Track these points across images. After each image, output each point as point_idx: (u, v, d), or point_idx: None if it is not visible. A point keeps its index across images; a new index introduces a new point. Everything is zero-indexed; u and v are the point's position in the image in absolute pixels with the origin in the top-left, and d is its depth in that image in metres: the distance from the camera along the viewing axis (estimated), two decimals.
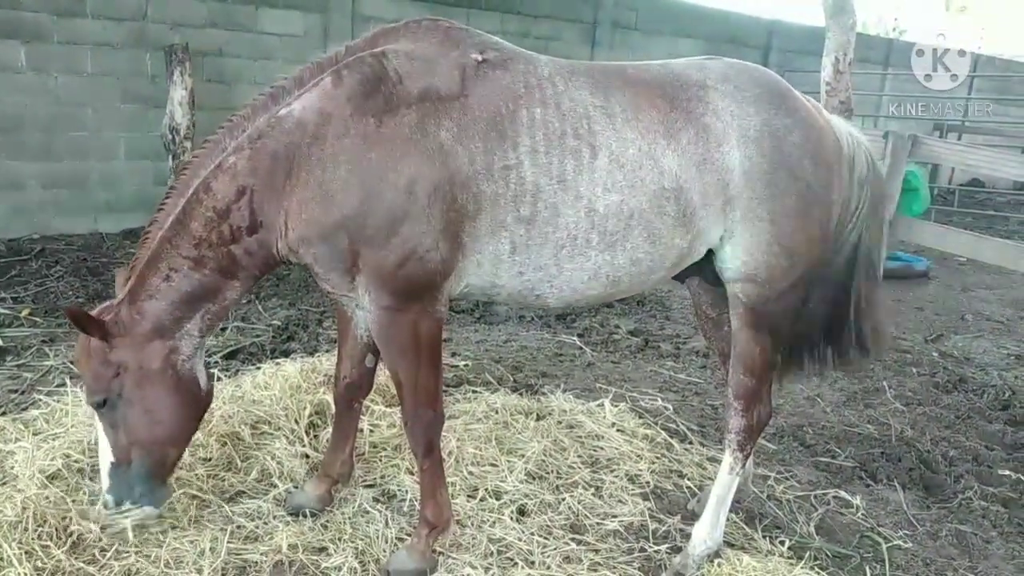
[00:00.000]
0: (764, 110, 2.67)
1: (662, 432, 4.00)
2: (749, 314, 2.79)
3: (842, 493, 3.61)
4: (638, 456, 3.72)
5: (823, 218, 2.77)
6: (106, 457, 2.66)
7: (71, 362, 3.76)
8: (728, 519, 3.27)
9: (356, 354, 3.01)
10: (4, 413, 3.66)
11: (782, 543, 3.12)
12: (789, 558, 3.02)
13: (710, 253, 2.78)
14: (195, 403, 2.73)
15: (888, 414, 4.60)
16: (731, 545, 3.11)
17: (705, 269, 2.87)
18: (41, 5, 6.82)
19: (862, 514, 3.47)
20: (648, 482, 3.52)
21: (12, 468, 3.06)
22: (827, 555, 3.15)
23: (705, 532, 2.94)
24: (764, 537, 3.17)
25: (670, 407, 4.34)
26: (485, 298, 2.75)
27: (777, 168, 2.64)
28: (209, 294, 2.61)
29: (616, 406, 4.18)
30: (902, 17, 26.17)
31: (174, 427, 2.69)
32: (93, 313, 2.57)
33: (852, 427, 4.36)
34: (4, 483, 2.97)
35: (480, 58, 2.54)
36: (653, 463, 3.68)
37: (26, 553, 2.57)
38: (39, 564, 2.55)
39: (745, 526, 3.24)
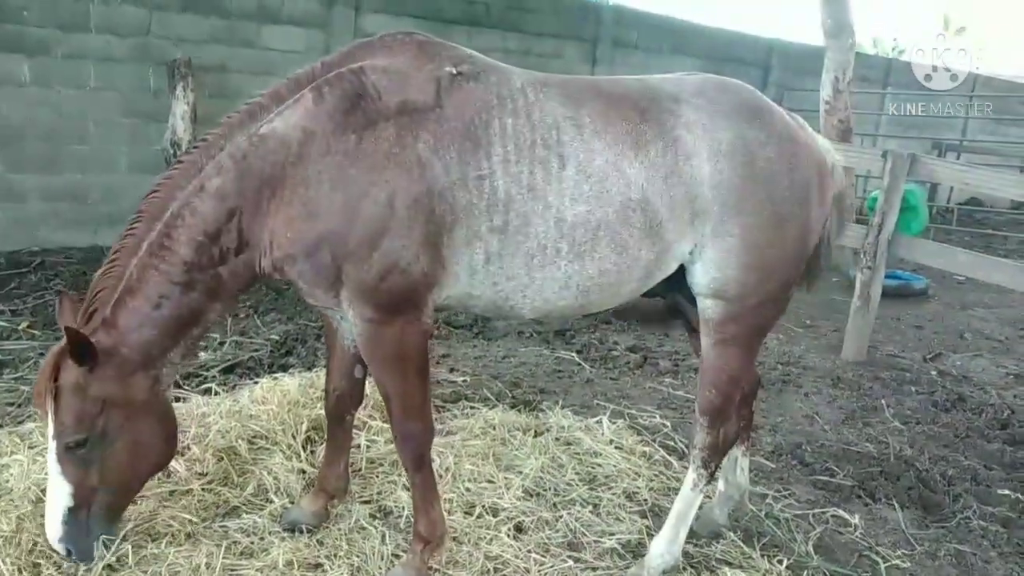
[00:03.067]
0: (737, 124, 2.66)
1: (660, 450, 3.99)
2: (718, 330, 2.78)
3: (840, 512, 3.59)
4: (636, 473, 3.71)
5: (797, 235, 2.75)
6: (61, 503, 2.49)
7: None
8: (726, 537, 3.28)
9: (345, 366, 3.01)
10: (0, 426, 3.65)
11: (780, 562, 3.10)
12: None
13: (684, 268, 2.77)
14: (174, 433, 2.70)
15: (886, 433, 4.58)
16: (729, 564, 3.10)
17: (684, 285, 2.86)
18: (45, 20, 6.87)
19: (860, 533, 3.45)
20: (646, 500, 3.51)
21: (7, 482, 3.05)
22: (825, 574, 3.13)
23: (663, 546, 2.93)
24: (762, 556, 3.16)
25: (668, 424, 4.33)
26: (464, 309, 2.76)
27: (748, 183, 2.62)
28: (196, 318, 2.57)
29: (614, 423, 4.18)
30: (901, 37, 26.37)
31: (156, 462, 2.66)
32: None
33: (850, 445, 4.35)
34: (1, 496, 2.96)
35: (454, 71, 2.56)
36: (651, 480, 3.67)
37: (18, 570, 2.56)
38: None
39: (743, 544, 3.23)
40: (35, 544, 2.68)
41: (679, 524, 2.96)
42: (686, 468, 3.64)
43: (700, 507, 3.06)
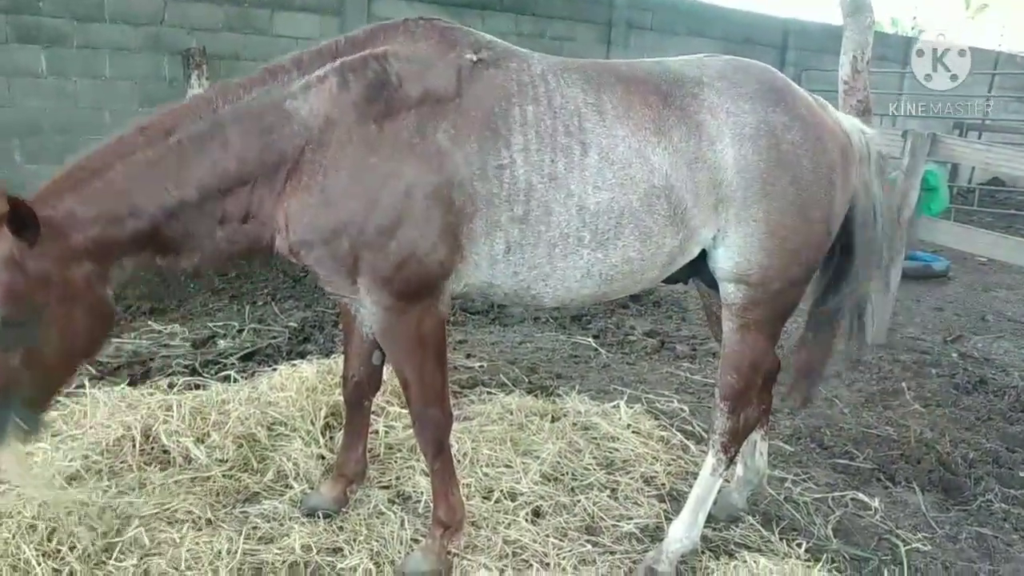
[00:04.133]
0: (761, 107, 2.63)
1: (678, 434, 3.98)
2: (740, 314, 2.76)
3: (860, 495, 3.57)
4: (654, 458, 3.70)
5: (822, 219, 2.72)
6: None
7: (88, 364, 3.77)
8: (745, 521, 3.27)
9: (362, 352, 3.01)
10: None
11: (799, 545, 3.09)
12: (806, 561, 2.99)
13: (706, 253, 2.74)
14: (104, 334, 2.49)
15: (907, 415, 4.54)
16: (748, 547, 3.09)
17: (704, 270, 2.84)
18: (60, 10, 6.90)
19: (880, 516, 3.43)
20: (664, 484, 3.50)
21: (31, 469, 3.09)
22: (845, 558, 3.12)
23: (682, 531, 2.92)
24: (781, 539, 3.15)
25: (686, 409, 4.31)
26: (483, 297, 2.75)
27: (773, 167, 2.60)
28: (166, 250, 2.45)
29: (632, 408, 4.16)
30: (920, 16, 25.91)
31: (83, 354, 2.44)
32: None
33: (870, 429, 4.32)
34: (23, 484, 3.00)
35: (475, 58, 2.53)
36: (669, 465, 3.67)
37: (44, 555, 2.60)
38: (55, 567, 2.58)
39: (762, 528, 3.22)
40: (53, 530, 2.70)
41: (698, 508, 2.95)
42: (704, 452, 3.63)
43: (719, 491, 3.05)
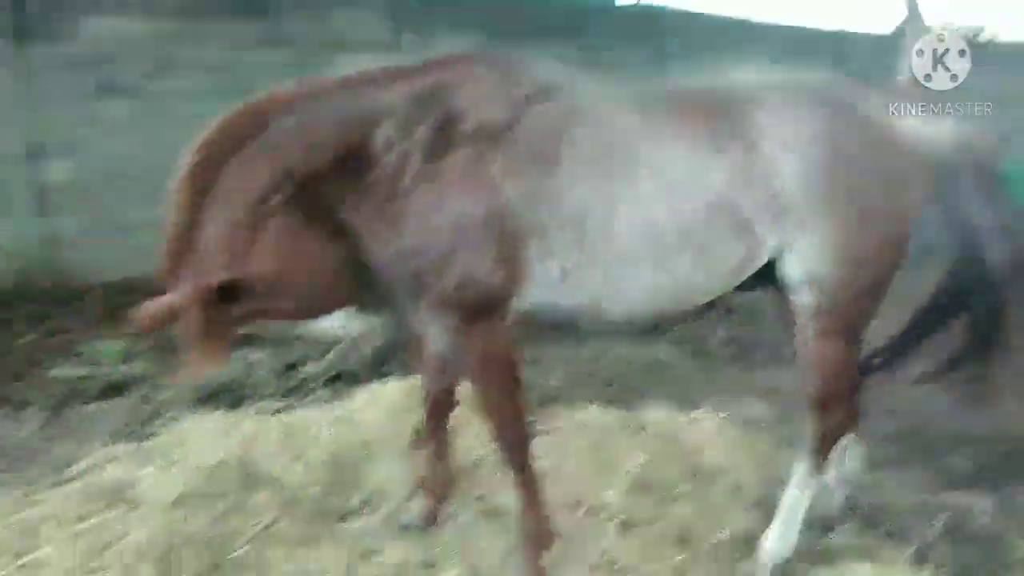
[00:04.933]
0: (820, 116, 2.62)
1: (764, 441, 3.89)
2: (814, 322, 2.73)
3: (965, 497, 3.43)
4: (741, 466, 3.63)
5: (890, 225, 2.68)
6: None
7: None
8: (843, 527, 3.17)
9: (434, 371, 3.07)
10: (128, 441, 3.86)
11: (903, 551, 2.99)
12: (912, 565, 2.89)
13: (773, 262, 2.72)
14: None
15: (1009, 414, 4.33)
16: (848, 553, 2.99)
17: (773, 278, 2.81)
18: (138, 64, 7.25)
19: (988, 520, 3.28)
20: (754, 492, 3.43)
21: (144, 493, 3.24)
22: (952, 563, 2.99)
23: (776, 539, 2.87)
24: (883, 545, 3.04)
25: (771, 416, 4.23)
26: (549, 318, 2.78)
27: (834, 175, 2.57)
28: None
29: (715, 416, 4.10)
30: (978, 19, 24.95)
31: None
32: None
33: (971, 428, 4.13)
34: (134, 509, 3.15)
35: (530, 91, 2.59)
36: (757, 473, 3.59)
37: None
38: None
39: (862, 534, 3.12)
40: (167, 551, 2.82)
41: (791, 516, 2.89)
42: (794, 459, 3.55)
43: (813, 497, 2.98)
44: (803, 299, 2.72)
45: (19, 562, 2.80)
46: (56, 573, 2.72)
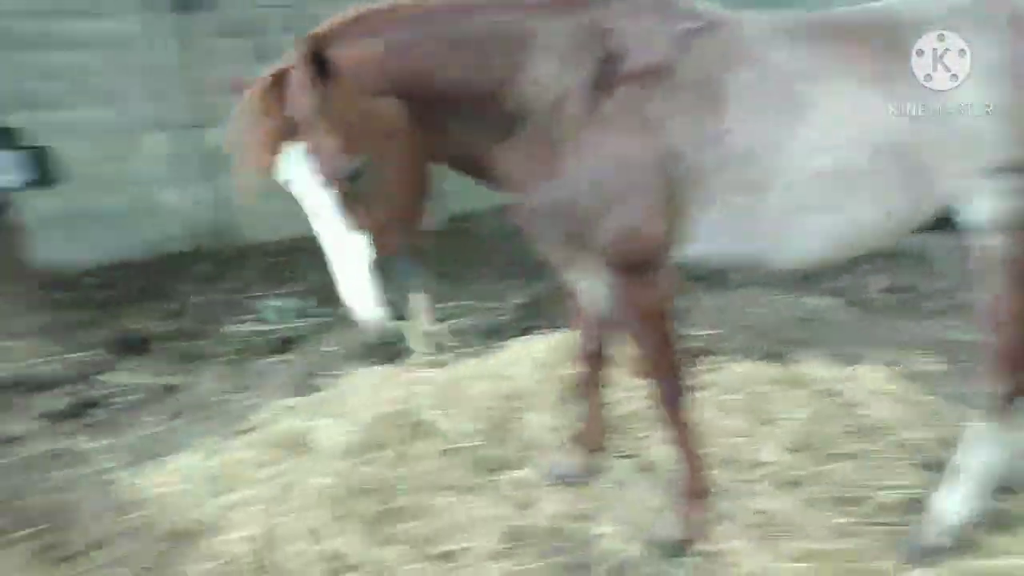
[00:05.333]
0: (1008, 38, 2.35)
1: (932, 397, 3.67)
2: (1005, 268, 2.50)
3: None
4: (907, 424, 3.45)
5: None
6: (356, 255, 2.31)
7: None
8: None
9: (587, 325, 3.07)
10: (299, 394, 4.15)
11: None
12: None
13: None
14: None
15: None
16: None
17: (951, 221, 2.59)
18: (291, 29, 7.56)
19: None
20: (925, 452, 3.25)
21: (315, 442, 3.50)
22: None
23: (953, 502, 2.70)
24: None
25: (943, 369, 3.96)
26: (707, 265, 2.70)
27: None
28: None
29: (878, 370, 3.90)
30: None
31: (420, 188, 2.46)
32: None
33: None
34: (310, 457, 3.41)
35: (688, 26, 2.46)
36: (928, 431, 3.39)
37: (333, 519, 2.94)
38: (352, 528, 2.90)
39: None
40: (340, 498, 3.06)
41: (971, 478, 2.71)
42: (968, 417, 3.32)
43: (996, 459, 2.78)
44: (994, 243, 2.51)
45: (216, 502, 3.12)
46: (248, 515, 3.01)
